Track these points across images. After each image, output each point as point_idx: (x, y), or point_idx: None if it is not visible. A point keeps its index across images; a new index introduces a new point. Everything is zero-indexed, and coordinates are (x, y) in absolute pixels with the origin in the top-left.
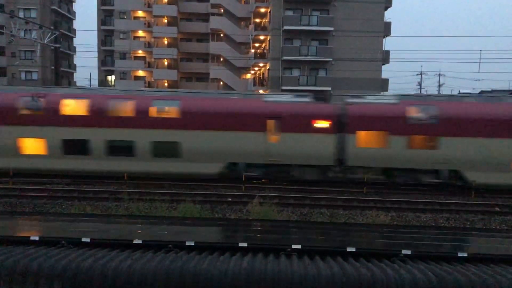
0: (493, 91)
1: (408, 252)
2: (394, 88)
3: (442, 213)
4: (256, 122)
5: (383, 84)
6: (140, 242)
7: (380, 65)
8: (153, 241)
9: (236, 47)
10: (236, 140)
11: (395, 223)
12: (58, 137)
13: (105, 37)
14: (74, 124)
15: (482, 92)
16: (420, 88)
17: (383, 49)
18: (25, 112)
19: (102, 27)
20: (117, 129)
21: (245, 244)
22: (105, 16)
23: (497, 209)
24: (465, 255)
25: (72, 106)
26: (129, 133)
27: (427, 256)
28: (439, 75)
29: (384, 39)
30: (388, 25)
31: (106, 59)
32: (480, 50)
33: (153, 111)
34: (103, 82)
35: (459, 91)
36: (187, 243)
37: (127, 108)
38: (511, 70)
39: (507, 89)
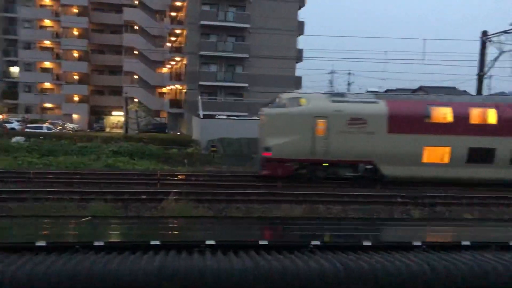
0: (397, 90)
1: (317, 242)
2: (308, 86)
3: (351, 204)
4: None
5: (297, 82)
6: (44, 244)
7: (294, 63)
8: (59, 242)
9: (151, 40)
10: None
11: (307, 215)
12: (464, 146)
13: (8, 25)
14: (480, 133)
15: (387, 91)
16: (331, 86)
17: (297, 47)
18: (431, 120)
19: (4, 14)
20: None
21: (157, 242)
22: (7, 2)
23: (399, 199)
24: (370, 243)
25: (477, 115)
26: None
27: (334, 246)
28: (349, 73)
29: (297, 38)
30: (301, 24)
31: (9, 49)
32: (385, 51)
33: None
34: (5, 74)
35: (366, 89)
36: (96, 243)
37: None
38: (415, 70)
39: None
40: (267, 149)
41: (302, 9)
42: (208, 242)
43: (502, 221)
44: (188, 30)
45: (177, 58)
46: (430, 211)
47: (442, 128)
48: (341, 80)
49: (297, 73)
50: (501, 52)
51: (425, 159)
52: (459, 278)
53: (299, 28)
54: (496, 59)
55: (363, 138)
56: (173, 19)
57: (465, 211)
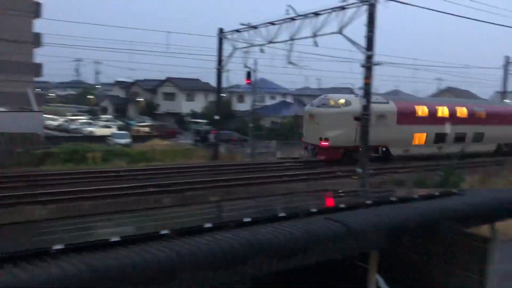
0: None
1: (60, 246)
2: (51, 74)
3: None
4: None
5: (36, 69)
6: None
7: (31, 48)
8: None
9: None
10: None
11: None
12: (433, 132)
13: None
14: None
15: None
16: (78, 75)
17: (33, 31)
18: (417, 115)
19: None
20: None
21: None
22: None
23: (151, 189)
24: (118, 239)
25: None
26: None
27: (80, 248)
28: (96, 62)
29: (33, 20)
30: (38, 5)
31: None
32: (131, 41)
33: None
34: None
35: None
36: None
37: None
38: (162, 61)
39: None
40: (326, 139)
41: None
42: None
43: (235, 200)
44: None
45: None
46: (181, 197)
47: (422, 120)
48: (88, 69)
49: (38, 59)
50: (235, 49)
51: (414, 142)
52: (201, 259)
53: (36, 9)
54: (231, 54)
55: (383, 129)
56: None
57: (211, 194)
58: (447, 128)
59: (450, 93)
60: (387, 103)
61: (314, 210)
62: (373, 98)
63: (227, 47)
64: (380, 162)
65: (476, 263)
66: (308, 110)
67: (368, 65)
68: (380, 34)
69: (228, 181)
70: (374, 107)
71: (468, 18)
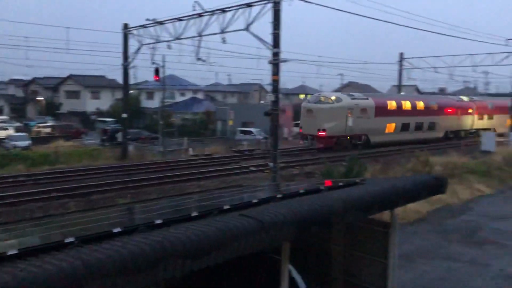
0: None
1: None
2: None
3: None
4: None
5: None
6: None
7: None
8: None
9: None
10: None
11: None
12: (400, 122)
13: None
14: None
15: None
16: None
17: None
18: (388, 108)
19: None
20: None
21: None
22: None
23: (54, 194)
24: (16, 252)
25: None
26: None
27: None
28: None
29: None
30: None
31: None
32: (26, 37)
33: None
34: None
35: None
36: None
37: None
38: (62, 58)
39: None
40: (323, 130)
41: None
42: None
43: (146, 201)
44: None
45: None
46: (87, 201)
47: (392, 113)
48: None
49: None
50: (141, 45)
51: (387, 131)
52: (110, 266)
53: None
54: (137, 51)
55: (365, 121)
56: None
57: (120, 196)
58: (409, 119)
59: (352, 87)
60: (367, 99)
61: (227, 207)
62: (357, 95)
63: (134, 43)
64: (362, 148)
65: (379, 247)
66: (306, 106)
67: (275, 62)
68: (287, 32)
69: (138, 181)
70: (358, 102)
71: (366, 17)
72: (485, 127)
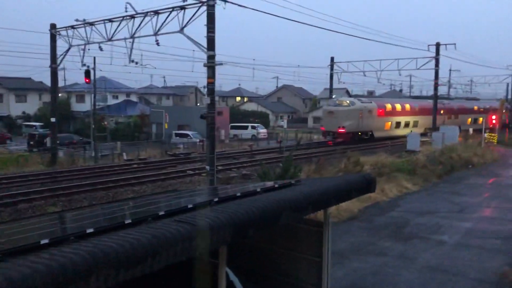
0: None
1: None
2: None
3: None
4: None
5: None
6: None
7: None
8: None
9: None
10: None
11: None
12: (394, 121)
13: None
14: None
15: None
16: None
17: None
18: (386, 110)
19: None
20: None
21: None
22: None
23: None
24: None
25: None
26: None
27: None
28: None
29: None
30: None
31: None
32: None
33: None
34: None
35: None
36: None
37: None
38: None
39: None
40: (343, 127)
41: None
42: None
43: (78, 209)
44: None
45: None
46: (13, 211)
47: (389, 113)
48: None
49: None
50: (71, 46)
51: (385, 128)
52: (37, 281)
53: None
54: (66, 52)
55: (370, 120)
56: None
57: (49, 204)
58: (400, 119)
59: (286, 90)
60: (371, 103)
61: (162, 213)
62: (364, 99)
63: (63, 45)
64: (367, 142)
65: (314, 246)
66: (327, 109)
67: (210, 65)
68: (223, 34)
69: (69, 188)
70: (366, 105)
71: (300, 22)
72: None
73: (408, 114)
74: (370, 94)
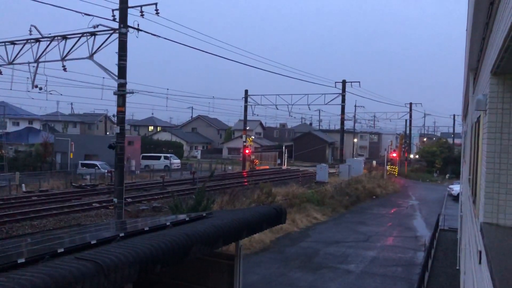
0: None
1: None
2: None
3: None
4: None
5: None
6: None
7: None
8: None
9: None
10: None
11: None
12: None
13: None
14: None
15: None
16: None
17: None
18: None
19: None
20: None
21: None
22: None
23: None
24: None
25: None
26: None
27: None
28: None
29: None
30: None
31: None
32: None
33: None
34: None
35: None
36: None
37: None
38: None
39: None
40: None
41: None
42: None
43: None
44: None
45: None
46: None
47: None
48: None
49: None
50: None
51: None
52: None
53: None
54: None
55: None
56: None
57: None
58: None
59: (201, 120)
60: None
61: (62, 250)
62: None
63: None
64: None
65: (226, 279)
66: None
67: (121, 93)
68: (135, 62)
69: None
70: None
71: (214, 54)
72: None
73: None
74: (283, 126)
